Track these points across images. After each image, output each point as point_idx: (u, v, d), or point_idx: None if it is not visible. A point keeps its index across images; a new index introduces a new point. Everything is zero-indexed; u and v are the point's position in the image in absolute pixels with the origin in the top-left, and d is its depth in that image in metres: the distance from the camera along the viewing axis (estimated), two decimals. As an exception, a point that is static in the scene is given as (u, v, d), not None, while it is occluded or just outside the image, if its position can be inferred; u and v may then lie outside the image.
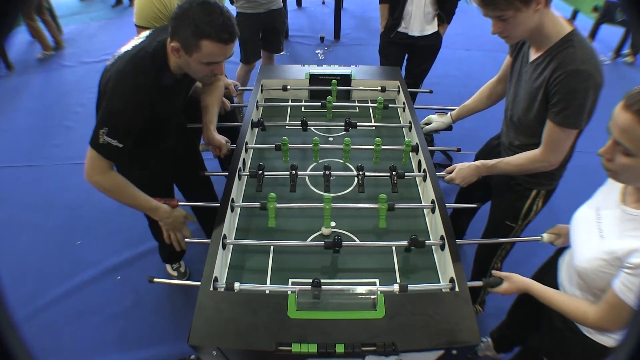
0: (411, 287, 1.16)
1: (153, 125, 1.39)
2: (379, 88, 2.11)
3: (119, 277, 2.26)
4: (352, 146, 1.62)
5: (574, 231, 1.15)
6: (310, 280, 1.14)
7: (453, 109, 1.88)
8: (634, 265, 0.90)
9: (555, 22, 1.25)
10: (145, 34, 1.43)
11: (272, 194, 1.38)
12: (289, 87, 2.08)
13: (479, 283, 1.27)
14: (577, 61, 1.19)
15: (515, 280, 1.20)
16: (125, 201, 1.39)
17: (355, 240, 1.40)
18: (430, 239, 1.41)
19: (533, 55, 1.34)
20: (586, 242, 1.07)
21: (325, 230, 1.41)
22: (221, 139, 1.70)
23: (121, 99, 1.26)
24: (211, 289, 1.14)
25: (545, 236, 1.38)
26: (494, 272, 1.25)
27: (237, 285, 1.16)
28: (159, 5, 1.76)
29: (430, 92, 2.29)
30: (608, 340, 1.10)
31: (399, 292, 1.14)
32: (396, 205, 1.41)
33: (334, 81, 2.04)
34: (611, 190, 1.07)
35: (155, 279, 1.31)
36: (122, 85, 1.27)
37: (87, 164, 1.30)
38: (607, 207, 1.06)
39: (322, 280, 1.15)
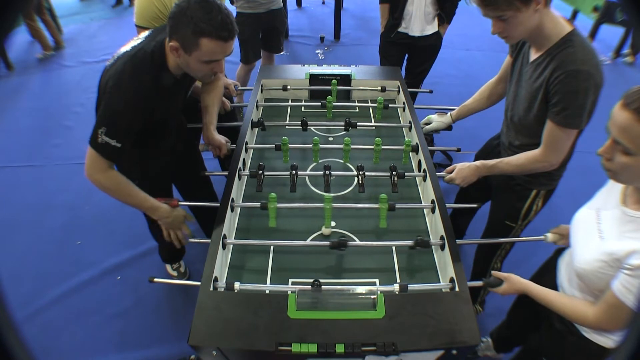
0: (411, 287, 1.16)
1: (152, 125, 1.39)
2: (379, 88, 2.11)
3: (119, 277, 2.26)
4: (352, 146, 1.62)
5: (574, 232, 1.15)
6: (311, 281, 1.14)
7: (453, 109, 1.87)
8: (633, 266, 0.90)
9: (555, 22, 1.25)
10: (144, 34, 1.43)
11: (273, 194, 1.38)
12: (289, 87, 2.08)
13: (479, 283, 1.27)
14: (577, 61, 1.19)
15: (514, 282, 1.20)
16: (124, 200, 1.39)
17: (355, 240, 1.40)
18: (430, 239, 1.41)
19: (533, 55, 1.34)
20: (586, 243, 1.07)
21: (325, 231, 1.41)
22: (221, 139, 1.70)
23: (120, 99, 1.26)
24: (211, 289, 1.14)
25: (550, 236, 1.37)
26: (493, 272, 1.25)
27: (237, 285, 1.16)
28: (159, 5, 1.76)
29: (430, 92, 2.30)
30: (607, 341, 1.10)
31: (398, 292, 1.14)
32: (396, 205, 1.41)
33: (334, 81, 2.04)
34: (612, 191, 1.07)
35: (156, 279, 1.31)
36: (121, 85, 1.26)
37: (87, 162, 1.31)
38: (607, 208, 1.06)
39: (322, 281, 1.15)
